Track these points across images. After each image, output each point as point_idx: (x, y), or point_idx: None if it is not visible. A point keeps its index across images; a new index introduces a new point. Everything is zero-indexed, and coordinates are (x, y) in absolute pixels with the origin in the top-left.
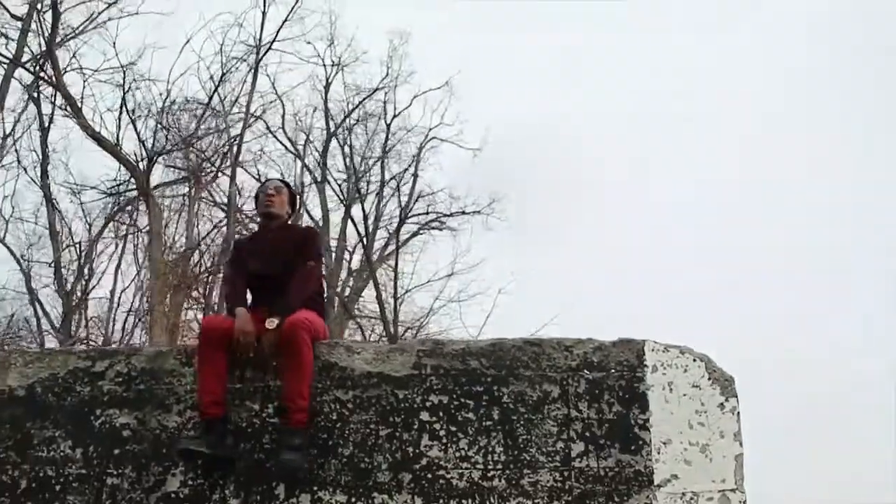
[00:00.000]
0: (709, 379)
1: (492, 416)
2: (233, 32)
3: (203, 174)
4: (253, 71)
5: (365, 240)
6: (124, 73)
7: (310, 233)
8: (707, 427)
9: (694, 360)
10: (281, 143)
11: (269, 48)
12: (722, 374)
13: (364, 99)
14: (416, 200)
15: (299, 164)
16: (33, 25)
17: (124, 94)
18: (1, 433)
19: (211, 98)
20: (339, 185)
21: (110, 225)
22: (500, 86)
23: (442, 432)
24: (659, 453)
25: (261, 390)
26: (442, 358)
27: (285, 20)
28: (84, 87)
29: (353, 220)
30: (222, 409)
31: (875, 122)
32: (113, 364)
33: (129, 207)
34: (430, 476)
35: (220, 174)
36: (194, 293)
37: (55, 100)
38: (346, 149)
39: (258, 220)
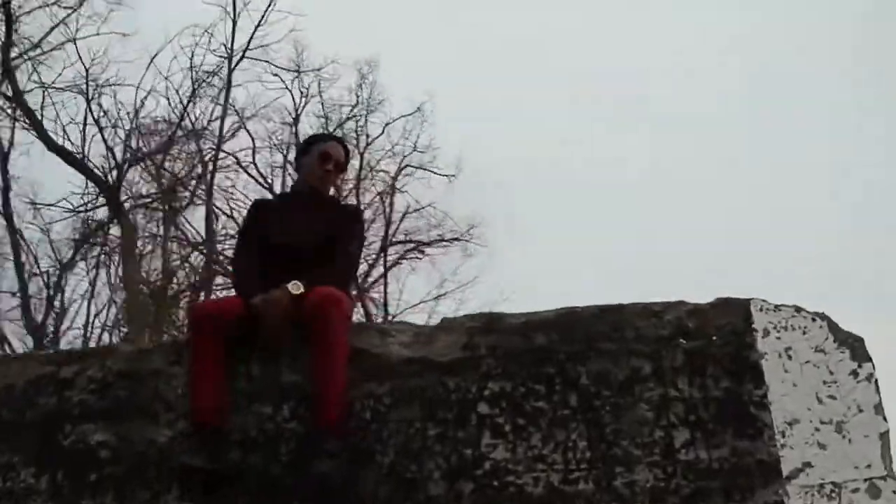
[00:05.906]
0: (834, 341)
1: (569, 403)
2: (200, 52)
3: (176, 200)
4: (226, 86)
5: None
6: (87, 77)
7: (359, 213)
8: (840, 400)
9: (813, 320)
10: (251, 176)
11: (243, 56)
12: (849, 334)
13: (335, 129)
14: (397, 229)
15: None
16: None
17: (88, 101)
18: None
19: (182, 118)
20: None
21: (80, 251)
22: (468, 107)
23: (507, 427)
24: (784, 437)
25: (273, 390)
26: (499, 335)
27: (257, 25)
28: (43, 99)
29: None
30: (223, 414)
31: None
32: (84, 369)
33: (99, 231)
34: (496, 483)
35: (193, 201)
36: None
37: (14, 114)
38: None
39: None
